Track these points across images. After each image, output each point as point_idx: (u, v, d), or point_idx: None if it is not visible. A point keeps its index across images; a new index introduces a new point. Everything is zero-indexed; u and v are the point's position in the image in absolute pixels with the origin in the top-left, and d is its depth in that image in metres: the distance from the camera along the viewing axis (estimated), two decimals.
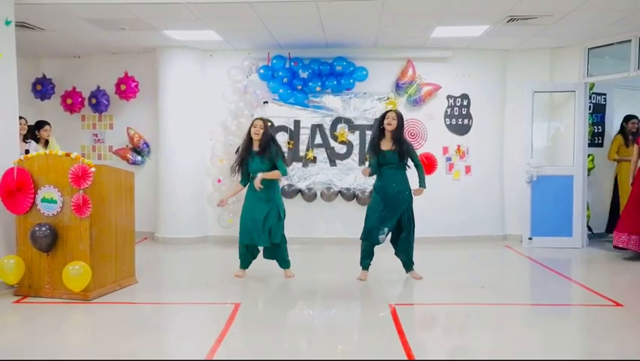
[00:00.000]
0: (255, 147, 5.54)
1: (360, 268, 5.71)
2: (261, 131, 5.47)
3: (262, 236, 5.56)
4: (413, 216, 5.62)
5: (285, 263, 5.86)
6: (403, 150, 5.41)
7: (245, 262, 5.84)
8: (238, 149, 5.89)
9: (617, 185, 7.89)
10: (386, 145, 5.46)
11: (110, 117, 8.38)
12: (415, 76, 7.70)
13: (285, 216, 5.69)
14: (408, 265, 5.75)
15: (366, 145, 7.61)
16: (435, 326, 4.59)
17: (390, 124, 5.39)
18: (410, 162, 5.55)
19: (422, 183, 5.57)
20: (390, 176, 5.46)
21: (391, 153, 5.41)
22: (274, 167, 5.52)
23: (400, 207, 5.51)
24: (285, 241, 5.80)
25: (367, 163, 5.62)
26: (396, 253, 5.76)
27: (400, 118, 5.45)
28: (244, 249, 5.76)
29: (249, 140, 5.57)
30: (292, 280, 5.76)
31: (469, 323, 4.55)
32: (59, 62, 8.40)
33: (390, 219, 5.54)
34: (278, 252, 5.78)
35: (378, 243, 5.62)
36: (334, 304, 5.03)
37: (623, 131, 7.94)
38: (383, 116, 5.49)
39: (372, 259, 5.72)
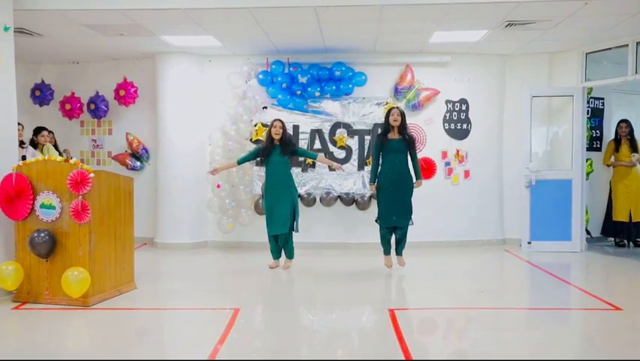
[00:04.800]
0: (276, 144, 6.24)
1: (384, 255, 6.25)
2: (281, 131, 6.24)
3: (287, 222, 6.21)
4: (412, 192, 6.14)
5: (292, 252, 6.46)
6: (409, 138, 6.14)
7: (277, 253, 6.46)
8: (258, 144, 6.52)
9: (612, 189, 7.90)
10: (393, 135, 6.10)
11: (109, 123, 8.40)
12: (413, 81, 7.72)
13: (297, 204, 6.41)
14: (401, 248, 6.22)
15: (367, 148, 7.67)
16: (434, 331, 4.59)
17: (396, 120, 6.05)
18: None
19: (418, 176, 6.24)
20: (395, 161, 6.06)
21: (398, 142, 6.07)
22: (290, 159, 6.40)
23: (405, 189, 6.08)
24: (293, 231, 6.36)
25: (370, 178, 6.25)
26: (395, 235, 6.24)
27: (402, 114, 6.12)
28: (274, 241, 6.37)
29: (270, 139, 6.25)
30: (290, 284, 5.77)
31: (468, 327, 4.55)
32: (58, 67, 8.42)
33: (400, 200, 6.05)
34: (289, 240, 6.38)
35: (392, 224, 6.11)
36: (334, 308, 5.03)
37: (615, 136, 7.95)
38: (388, 114, 6.14)
39: (390, 243, 6.24)
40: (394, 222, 6.08)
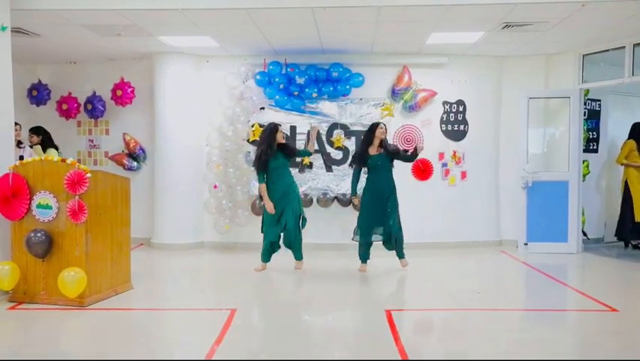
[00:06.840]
0: (276, 148, 6.17)
1: (360, 261, 6.30)
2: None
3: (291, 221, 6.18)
4: (397, 205, 6.18)
5: (299, 254, 6.37)
6: (389, 150, 6.20)
7: (268, 256, 6.34)
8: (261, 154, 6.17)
9: (629, 189, 7.72)
10: (373, 150, 6.19)
11: (105, 123, 8.38)
12: (410, 82, 7.73)
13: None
14: (398, 252, 6.27)
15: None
16: (431, 332, 4.59)
17: (383, 133, 6.20)
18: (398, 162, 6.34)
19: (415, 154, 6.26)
20: (379, 176, 6.15)
21: (378, 157, 6.16)
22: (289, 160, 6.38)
23: (387, 199, 6.11)
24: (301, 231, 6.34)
25: (351, 191, 6.35)
26: (385, 244, 6.31)
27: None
28: (269, 245, 6.28)
29: (272, 145, 6.09)
30: (287, 285, 5.77)
31: (465, 328, 4.55)
32: (55, 67, 8.40)
33: (382, 215, 6.12)
34: (296, 241, 6.30)
35: (370, 240, 6.25)
36: (330, 310, 5.03)
37: (636, 136, 7.74)
38: (375, 127, 6.22)
39: (369, 253, 6.32)
40: (374, 236, 6.20)
